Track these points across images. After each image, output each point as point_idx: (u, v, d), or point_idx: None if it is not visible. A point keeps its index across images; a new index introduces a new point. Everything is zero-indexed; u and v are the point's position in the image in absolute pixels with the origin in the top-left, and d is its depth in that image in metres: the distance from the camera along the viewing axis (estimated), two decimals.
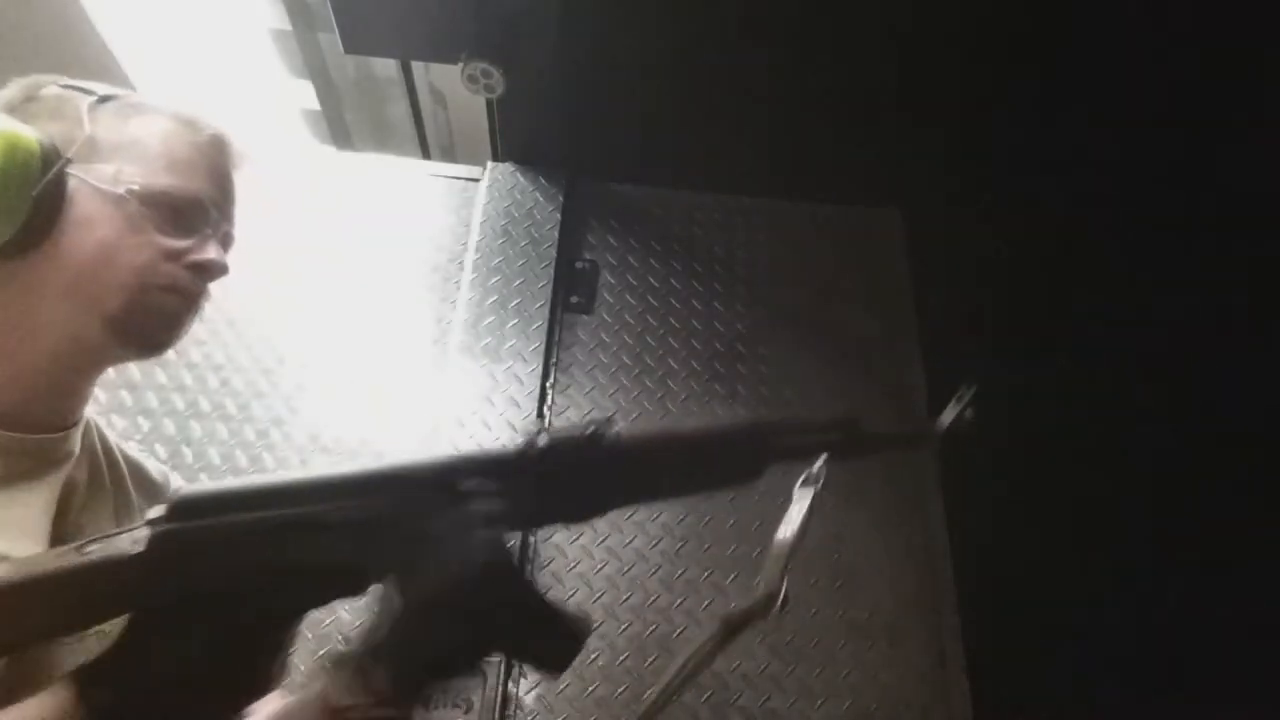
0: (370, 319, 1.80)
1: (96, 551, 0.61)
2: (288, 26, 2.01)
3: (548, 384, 1.77)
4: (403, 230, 1.92)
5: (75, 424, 0.86)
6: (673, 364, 1.85)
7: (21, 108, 0.83)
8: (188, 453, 1.61)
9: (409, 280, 1.87)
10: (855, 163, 2.14)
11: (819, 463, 0.83)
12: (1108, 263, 2.57)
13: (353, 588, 0.66)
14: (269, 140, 2.34)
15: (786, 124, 2.21)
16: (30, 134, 0.77)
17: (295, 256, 1.83)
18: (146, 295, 0.82)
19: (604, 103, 2.12)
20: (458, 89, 1.70)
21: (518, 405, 1.72)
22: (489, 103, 1.86)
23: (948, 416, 0.87)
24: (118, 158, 0.82)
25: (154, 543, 0.61)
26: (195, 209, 0.85)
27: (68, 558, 0.61)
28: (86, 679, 0.59)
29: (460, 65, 1.62)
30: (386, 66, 2.12)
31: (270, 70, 2.14)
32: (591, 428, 0.72)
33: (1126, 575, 2.70)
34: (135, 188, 0.81)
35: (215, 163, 0.89)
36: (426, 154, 2.36)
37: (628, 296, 1.92)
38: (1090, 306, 2.71)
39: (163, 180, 0.83)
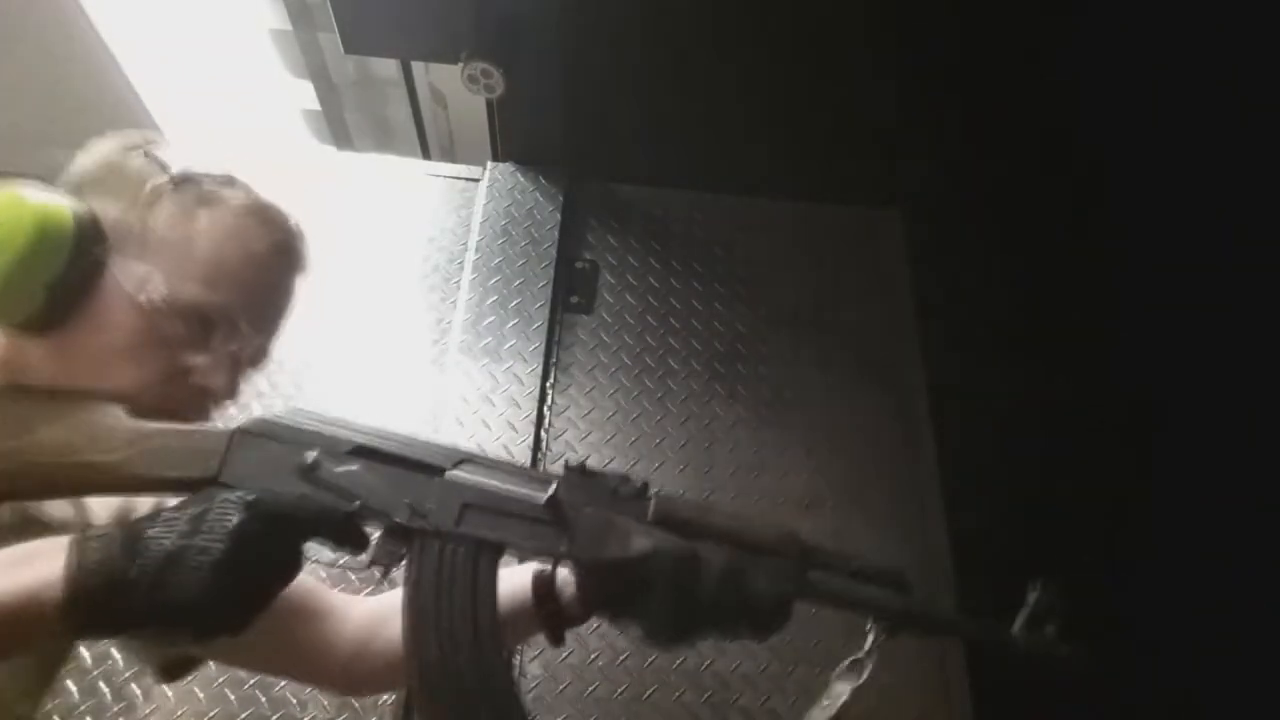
0: (370, 319, 1.80)
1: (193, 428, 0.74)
2: (288, 26, 2.01)
3: (548, 384, 1.77)
4: (403, 230, 1.92)
5: None
6: (673, 364, 1.85)
7: (96, 175, 0.80)
8: None
9: (409, 280, 1.87)
10: (855, 163, 2.14)
11: (865, 651, 0.78)
12: (1108, 262, 2.57)
13: (357, 540, 0.71)
14: (270, 140, 2.35)
15: (786, 124, 2.21)
16: (68, 215, 0.73)
17: None
18: (148, 401, 0.78)
19: (604, 103, 2.13)
20: (458, 89, 1.70)
21: (518, 405, 1.72)
22: (489, 103, 1.86)
23: (1024, 626, 0.77)
24: (159, 258, 0.78)
25: (241, 429, 0.72)
26: (222, 324, 0.81)
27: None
28: (88, 534, 0.63)
29: (460, 65, 1.62)
30: (386, 67, 2.12)
31: (270, 70, 2.14)
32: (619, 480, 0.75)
33: (1129, 575, 2.70)
34: (158, 300, 0.76)
35: (268, 274, 0.85)
36: (426, 154, 2.36)
37: (628, 296, 1.92)
38: (1091, 305, 2.71)
39: (193, 292, 0.78)
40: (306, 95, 2.22)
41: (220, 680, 1.42)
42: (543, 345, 1.79)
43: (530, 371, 1.76)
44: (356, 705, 1.44)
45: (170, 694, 1.40)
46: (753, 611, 0.73)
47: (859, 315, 1.96)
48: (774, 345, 1.90)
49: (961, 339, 2.40)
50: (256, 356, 0.86)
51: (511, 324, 1.81)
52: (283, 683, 1.43)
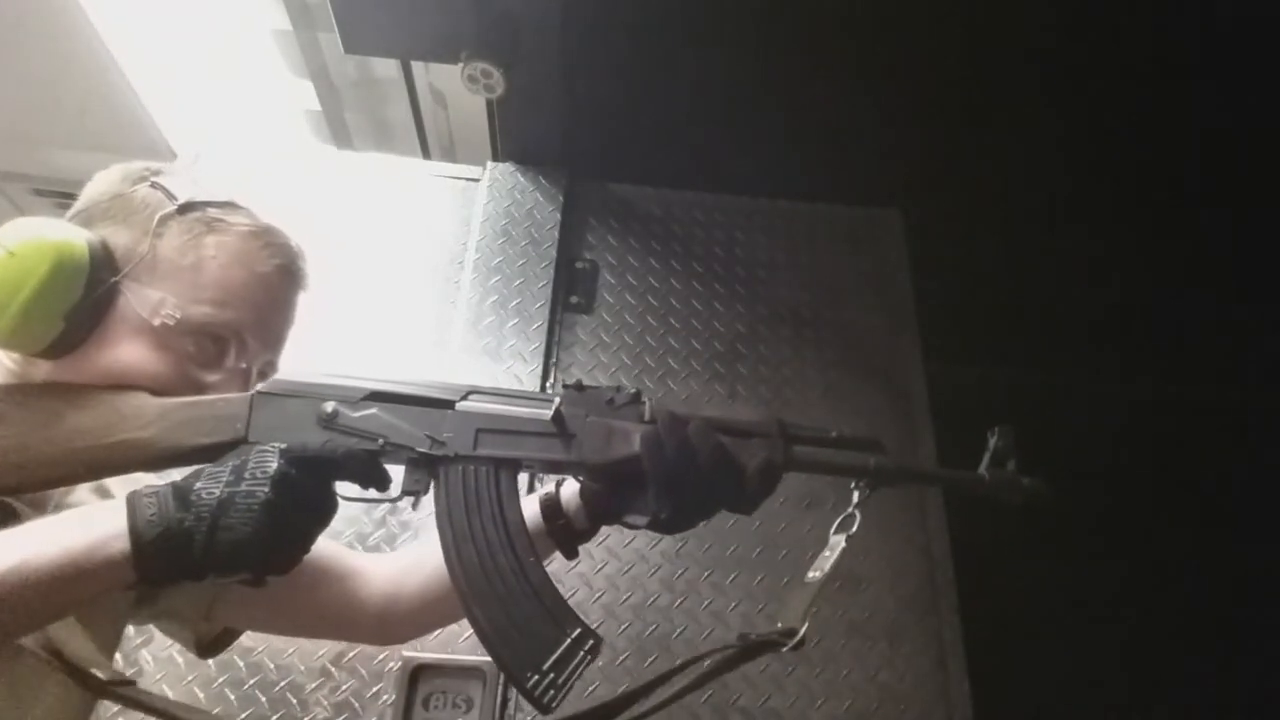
0: (370, 319, 1.80)
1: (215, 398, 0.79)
2: (288, 27, 2.01)
3: (548, 384, 1.77)
4: (403, 230, 1.92)
5: None
6: (673, 364, 1.85)
7: (105, 206, 0.84)
8: None
9: (409, 280, 1.87)
10: (855, 163, 2.14)
11: (854, 505, 0.84)
12: (1107, 261, 2.57)
13: (373, 476, 0.76)
14: (270, 141, 2.34)
15: (787, 124, 2.21)
16: (83, 247, 0.78)
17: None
18: None
19: (604, 103, 2.12)
20: (458, 89, 1.70)
21: None
22: (489, 103, 1.86)
23: (988, 466, 0.86)
24: (170, 282, 0.82)
25: (260, 392, 0.79)
26: (233, 342, 0.85)
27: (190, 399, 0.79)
28: (140, 491, 0.68)
29: (460, 65, 1.62)
30: (387, 66, 2.12)
31: (271, 70, 2.14)
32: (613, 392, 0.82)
33: (1126, 575, 2.70)
34: (171, 322, 0.80)
35: (274, 293, 0.89)
36: (427, 154, 2.36)
37: (628, 296, 1.92)
38: (1090, 305, 2.71)
39: (204, 312, 0.82)
40: (307, 95, 2.22)
41: (220, 680, 1.42)
42: (542, 345, 1.79)
43: (530, 371, 1.76)
44: (356, 705, 1.44)
45: (170, 695, 1.40)
46: (744, 485, 0.80)
47: (859, 315, 1.96)
48: (774, 345, 1.90)
49: (961, 339, 2.41)
50: (266, 370, 0.89)
51: (511, 324, 1.81)
52: (283, 682, 1.43)
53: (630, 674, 1.53)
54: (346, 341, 1.77)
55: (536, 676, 0.73)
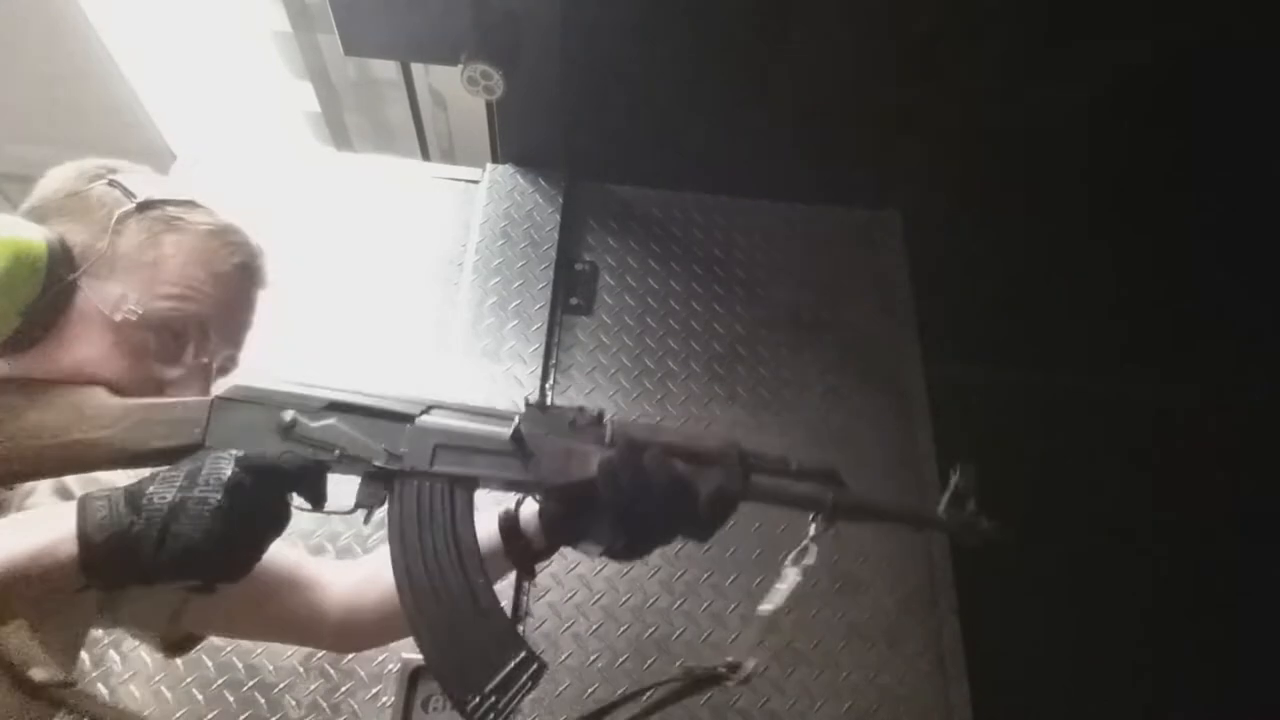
0: (370, 321, 1.80)
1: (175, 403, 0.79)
2: (288, 28, 2.01)
3: (547, 386, 1.77)
4: (402, 232, 1.92)
5: None
6: (672, 365, 1.85)
7: (60, 203, 0.83)
8: None
9: (409, 282, 1.87)
10: (855, 164, 2.14)
11: (809, 538, 0.83)
12: (1106, 262, 2.57)
13: (319, 491, 0.75)
14: (270, 142, 2.34)
15: (787, 125, 2.21)
16: (42, 244, 0.77)
17: (295, 258, 1.82)
18: None
19: (604, 104, 2.12)
20: (458, 91, 1.70)
21: (517, 407, 1.72)
22: (489, 104, 1.86)
23: (948, 506, 0.84)
24: (129, 278, 0.82)
25: (220, 397, 0.78)
26: (193, 336, 0.85)
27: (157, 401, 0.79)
28: (92, 494, 0.68)
29: (460, 67, 1.62)
30: (386, 68, 2.12)
31: (271, 72, 2.14)
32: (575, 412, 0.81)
33: (1127, 576, 2.70)
34: (133, 318, 0.81)
35: (234, 291, 0.89)
36: (426, 156, 2.36)
37: (627, 297, 1.92)
38: (1090, 305, 2.71)
39: (165, 306, 0.82)
40: (306, 97, 2.22)
41: (220, 682, 1.42)
42: (542, 347, 1.79)
43: (530, 373, 1.76)
44: (355, 707, 1.44)
45: (170, 695, 1.40)
46: (698, 514, 0.79)
47: (859, 315, 1.96)
48: (774, 345, 1.90)
49: (961, 339, 2.41)
50: (226, 365, 0.89)
51: (511, 325, 1.81)
52: (281, 684, 1.43)
53: (630, 676, 1.52)
54: (346, 342, 1.77)
55: (478, 699, 0.72)
